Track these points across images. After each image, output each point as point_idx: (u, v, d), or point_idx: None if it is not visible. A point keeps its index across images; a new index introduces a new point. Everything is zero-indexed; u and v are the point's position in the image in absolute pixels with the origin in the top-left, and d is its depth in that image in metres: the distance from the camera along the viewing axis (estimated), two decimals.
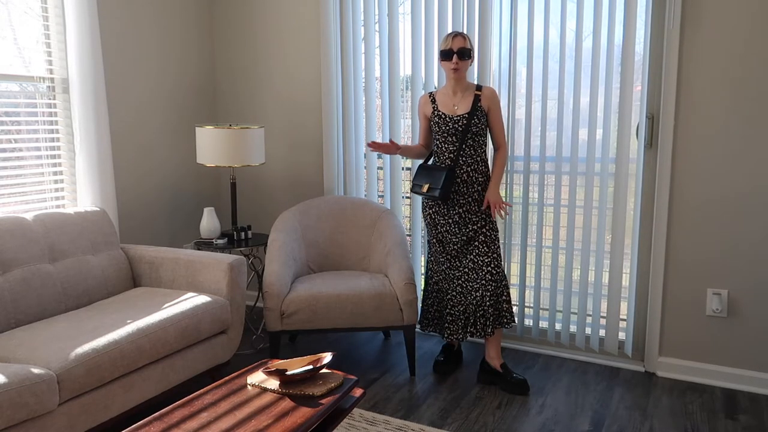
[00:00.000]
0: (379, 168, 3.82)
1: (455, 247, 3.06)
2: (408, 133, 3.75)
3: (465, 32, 3.22)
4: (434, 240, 3.14)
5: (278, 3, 3.94)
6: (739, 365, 3.00)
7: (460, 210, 3.02)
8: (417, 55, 3.52)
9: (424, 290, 3.27)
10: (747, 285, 2.94)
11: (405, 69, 3.64)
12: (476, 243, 3.02)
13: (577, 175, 3.22)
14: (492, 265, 2.99)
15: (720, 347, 3.03)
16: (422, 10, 3.47)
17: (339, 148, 3.85)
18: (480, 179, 3.03)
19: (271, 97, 4.07)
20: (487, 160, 3.07)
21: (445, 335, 3.10)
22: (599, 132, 3.15)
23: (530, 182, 3.35)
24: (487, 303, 2.97)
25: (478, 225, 3.02)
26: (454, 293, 3.08)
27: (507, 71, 3.31)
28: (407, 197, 3.81)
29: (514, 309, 3.54)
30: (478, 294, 2.99)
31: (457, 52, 2.89)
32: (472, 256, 3.02)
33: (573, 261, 3.33)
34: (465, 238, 3.03)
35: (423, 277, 3.29)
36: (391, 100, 3.63)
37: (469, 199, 3.02)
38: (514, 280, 3.51)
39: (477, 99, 2.98)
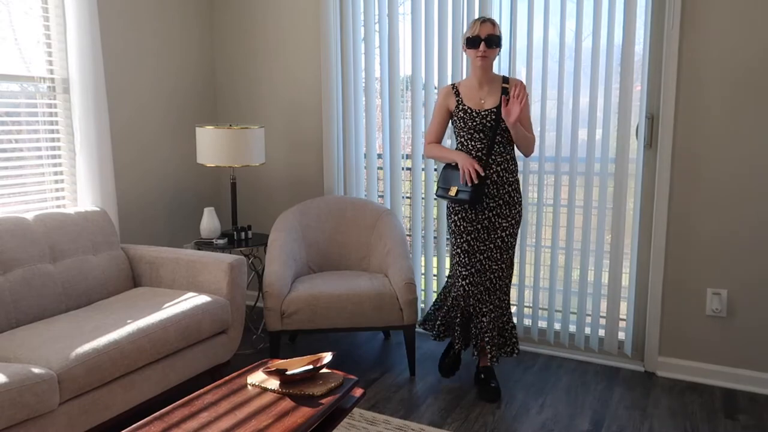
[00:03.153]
0: (379, 168, 3.83)
1: (482, 257, 2.85)
2: (408, 133, 3.75)
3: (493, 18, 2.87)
4: (459, 250, 2.88)
5: (278, 3, 3.94)
6: (739, 365, 3.00)
7: (490, 214, 2.83)
8: (417, 55, 3.52)
9: (439, 298, 3.13)
10: (747, 285, 2.95)
11: (405, 69, 3.64)
12: (498, 258, 2.85)
13: (577, 175, 3.22)
14: (505, 291, 2.91)
15: (720, 347, 3.03)
16: (422, 10, 3.47)
17: (339, 148, 3.85)
18: (511, 179, 2.84)
19: (271, 97, 4.07)
20: (516, 158, 2.90)
21: (457, 345, 2.96)
22: (599, 132, 3.15)
23: (529, 182, 3.35)
24: (494, 331, 2.88)
25: (507, 232, 2.85)
26: (472, 310, 2.91)
27: (507, 71, 3.30)
28: (407, 197, 3.81)
29: (513, 309, 3.54)
30: (485, 319, 2.87)
31: (484, 40, 2.69)
32: (490, 274, 2.87)
33: (572, 261, 3.33)
34: (493, 245, 2.84)
35: (434, 281, 3.13)
36: (391, 100, 3.63)
37: (500, 201, 2.83)
38: (513, 279, 3.51)
39: (505, 92, 2.78)
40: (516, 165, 2.88)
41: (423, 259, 3.71)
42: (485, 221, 2.84)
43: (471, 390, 3.00)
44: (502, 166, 2.82)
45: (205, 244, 3.53)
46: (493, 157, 2.81)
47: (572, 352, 3.39)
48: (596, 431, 2.63)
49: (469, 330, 2.95)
